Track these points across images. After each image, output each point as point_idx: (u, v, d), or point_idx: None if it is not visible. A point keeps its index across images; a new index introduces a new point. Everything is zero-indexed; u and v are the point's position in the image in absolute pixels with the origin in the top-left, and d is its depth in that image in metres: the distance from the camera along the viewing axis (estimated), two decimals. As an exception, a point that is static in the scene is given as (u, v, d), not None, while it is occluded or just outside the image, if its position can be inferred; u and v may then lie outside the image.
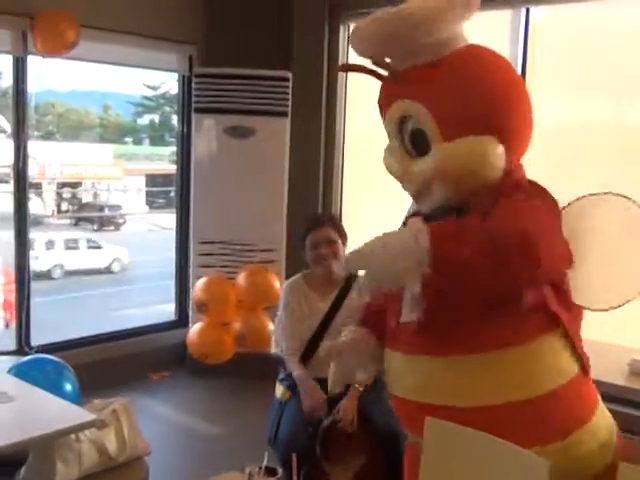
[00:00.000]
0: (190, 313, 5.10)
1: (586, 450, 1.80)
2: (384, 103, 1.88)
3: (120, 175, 12.99)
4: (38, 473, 2.48)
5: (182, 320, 5.38)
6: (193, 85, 5.01)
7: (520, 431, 1.72)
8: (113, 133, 13.41)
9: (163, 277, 6.71)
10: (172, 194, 8.09)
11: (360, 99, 4.87)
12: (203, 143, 5.05)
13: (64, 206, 12.77)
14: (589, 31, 3.94)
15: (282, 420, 2.95)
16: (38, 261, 10.22)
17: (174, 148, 5.83)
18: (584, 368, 1.83)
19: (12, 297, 5.04)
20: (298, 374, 2.96)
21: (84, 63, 5.13)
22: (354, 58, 1.94)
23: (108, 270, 11.24)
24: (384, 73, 1.86)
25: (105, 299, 9.97)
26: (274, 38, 5.04)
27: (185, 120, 5.33)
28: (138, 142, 13.92)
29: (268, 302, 4.52)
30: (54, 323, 7.51)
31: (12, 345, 4.61)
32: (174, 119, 6.47)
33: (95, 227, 12.68)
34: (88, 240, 11.49)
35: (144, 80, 12.11)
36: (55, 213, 12.41)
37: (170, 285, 5.64)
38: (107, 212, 13.11)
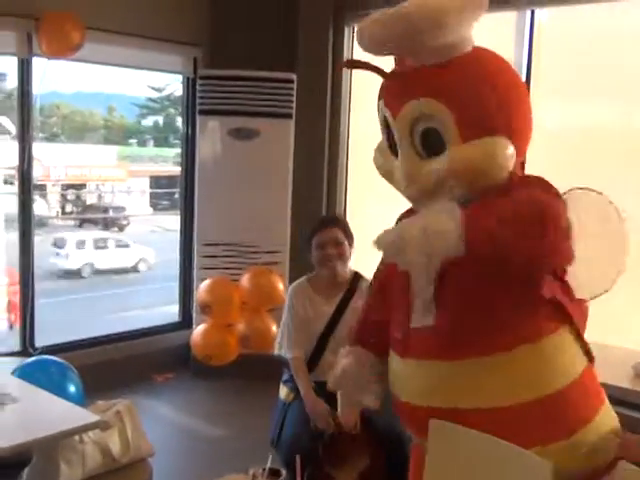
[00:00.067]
0: (194, 314, 5.11)
1: (589, 449, 1.80)
2: (393, 102, 1.83)
3: (124, 177, 13.00)
4: (42, 474, 2.49)
5: (186, 321, 5.38)
6: (197, 87, 5.01)
7: (525, 431, 1.73)
8: (117, 135, 13.42)
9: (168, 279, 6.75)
10: (176, 196, 8.10)
11: (364, 99, 4.86)
12: (207, 145, 5.05)
13: (68, 208, 12.80)
14: (594, 33, 3.93)
15: (285, 421, 2.95)
16: (69, 260, 10.74)
17: (178, 150, 5.83)
18: (590, 359, 1.85)
19: (16, 298, 5.04)
20: (300, 386, 2.97)
21: (89, 65, 5.15)
22: (359, 58, 1.92)
23: (134, 269, 11.45)
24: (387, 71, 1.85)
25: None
26: (279, 40, 5.04)
27: (189, 122, 5.34)
28: (142, 144, 13.92)
29: (272, 304, 4.52)
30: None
31: (16, 346, 4.62)
32: (178, 121, 6.48)
33: (100, 228, 12.71)
34: (117, 240, 11.76)
35: (148, 82, 12.13)
36: (59, 215, 12.43)
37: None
38: (111, 214, 13.14)
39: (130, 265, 11.41)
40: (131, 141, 13.90)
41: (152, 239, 11.95)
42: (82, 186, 12.82)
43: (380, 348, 2.01)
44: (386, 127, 1.90)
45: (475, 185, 1.76)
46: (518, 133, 1.80)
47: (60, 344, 4.75)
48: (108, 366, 4.63)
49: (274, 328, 4.37)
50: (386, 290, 2.05)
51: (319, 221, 3.28)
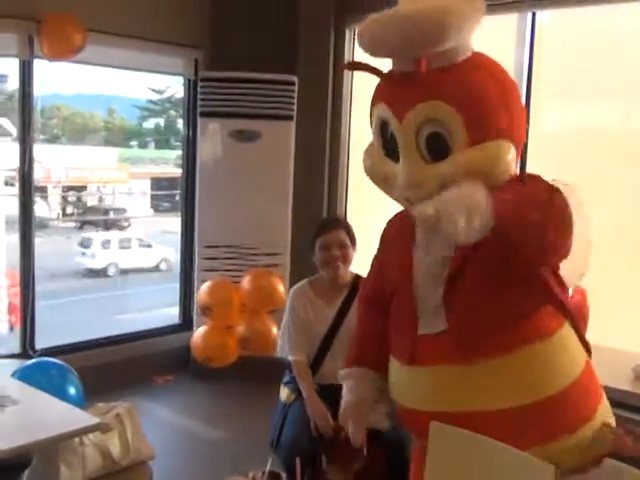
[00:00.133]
0: (194, 316, 5.11)
1: (586, 444, 1.81)
2: (399, 105, 1.81)
3: (125, 178, 12.99)
4: (42, 477, 2.48)
5: (186, 323, 5.38)
6: (199, 89, 5.01)
7: (526, 432, 1.74)
8: (118, 136, 13.40)
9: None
10: (177, 197, 8.09)
11: (365, 101, 4.86)
12: (208, 147, 5.05)
13: (69, 209, 12.80)
14: (595, 35, 3.94)
15: (285, 423, 2.94)
16: (95, 259, 11.06)
17: (179, 152, 5.83)
18: (589, 353, 1.88)
19: (17, 300, 5.04)
20: (303, 388, 2.96)
21: (90, 67, 5.15)
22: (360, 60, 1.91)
23: (156, 269, 11.52)
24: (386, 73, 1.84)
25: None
26: (280, 42, 5.04)
27: (190, 124, 5.34)
28: (143, 145, 13.91)
29: (272, 306, 4.52)
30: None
31: (16, 348, 4.62)
32: (179, 123, 6.47)
33: (100, 230, 12.71)
34: (139, 240, 11.89)
35: (149, 84, 12.10)
36: (60, 216, 12.44)
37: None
38: (112, 215, 13.14)
39: (152, 265, 11.56)
40: (132, 143, 13.88)
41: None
42: (83, 188, 12.81)
43: (379, 364, 2.02)
44: (382, 130, 1.89)
45: None
46: (517, 135, 1.81)
47: (60, 346, 4.76)
48: (108, 368, 4.63)
49: (274, 330, 4.37)
50: (384, 294, 2.05)
51: (323, 222, 3.28)
